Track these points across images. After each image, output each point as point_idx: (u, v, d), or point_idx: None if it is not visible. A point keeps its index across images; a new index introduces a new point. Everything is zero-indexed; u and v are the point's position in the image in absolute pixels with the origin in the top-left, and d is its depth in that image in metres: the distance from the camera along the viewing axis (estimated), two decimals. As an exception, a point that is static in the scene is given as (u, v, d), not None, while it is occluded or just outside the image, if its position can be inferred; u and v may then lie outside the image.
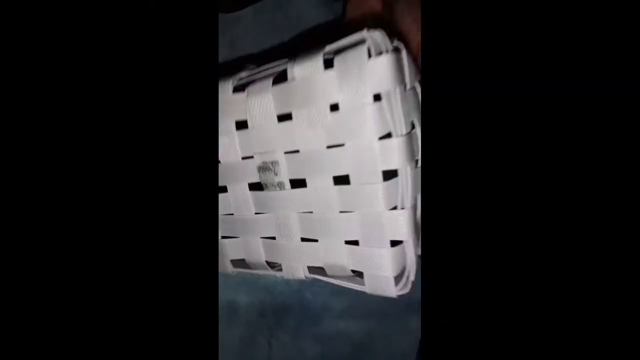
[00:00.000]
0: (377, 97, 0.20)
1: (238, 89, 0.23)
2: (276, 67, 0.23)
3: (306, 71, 0.21)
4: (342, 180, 0.22)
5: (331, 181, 0.22)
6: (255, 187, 0.25)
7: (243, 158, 0.24)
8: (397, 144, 0.20)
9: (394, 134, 0.20)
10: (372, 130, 0.20)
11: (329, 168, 0.22)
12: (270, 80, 0.22)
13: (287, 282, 0.39)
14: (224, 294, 0.39)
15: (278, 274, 0.27)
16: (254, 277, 0.38)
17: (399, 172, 0.21)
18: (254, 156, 0.24)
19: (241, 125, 0.23)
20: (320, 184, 0.22)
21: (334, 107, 0.21)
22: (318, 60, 0.20)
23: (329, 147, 0.21)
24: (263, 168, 0.23)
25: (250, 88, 0.23)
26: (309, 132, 0.21)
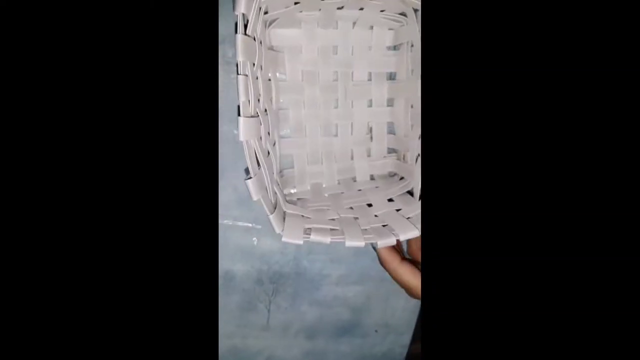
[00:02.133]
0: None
1: None
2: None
3: None
4: None
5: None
6: None
7: None
8: None
9: None
10: None
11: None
12: None
13: (282, 251, 0.38)
14: (221, 264, 0.39)
15: None
16: (248, 247, 0.38)
17: None
18: None
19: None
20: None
21: None
22: None
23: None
24: None
25: None
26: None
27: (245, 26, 0.23)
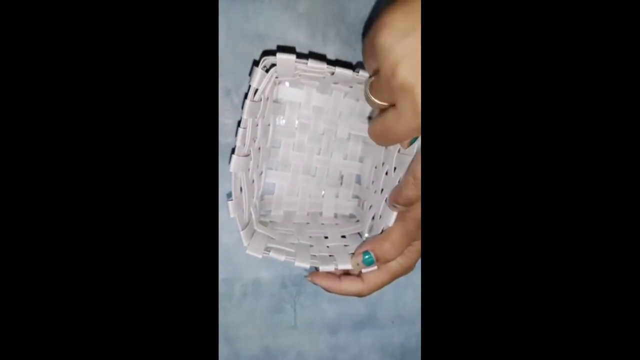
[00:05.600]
0: None
1: None
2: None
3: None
4: None
5: None
6: None
7: None
8: None
9: None
10: None
11: None
12: None
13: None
14: (249, 273, 0.45)
15: None
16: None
17: None
18: None
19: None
20: None
21: None
22: None
23: None
24: None
25: None
26: None
27: (255, 92, 0.32)
